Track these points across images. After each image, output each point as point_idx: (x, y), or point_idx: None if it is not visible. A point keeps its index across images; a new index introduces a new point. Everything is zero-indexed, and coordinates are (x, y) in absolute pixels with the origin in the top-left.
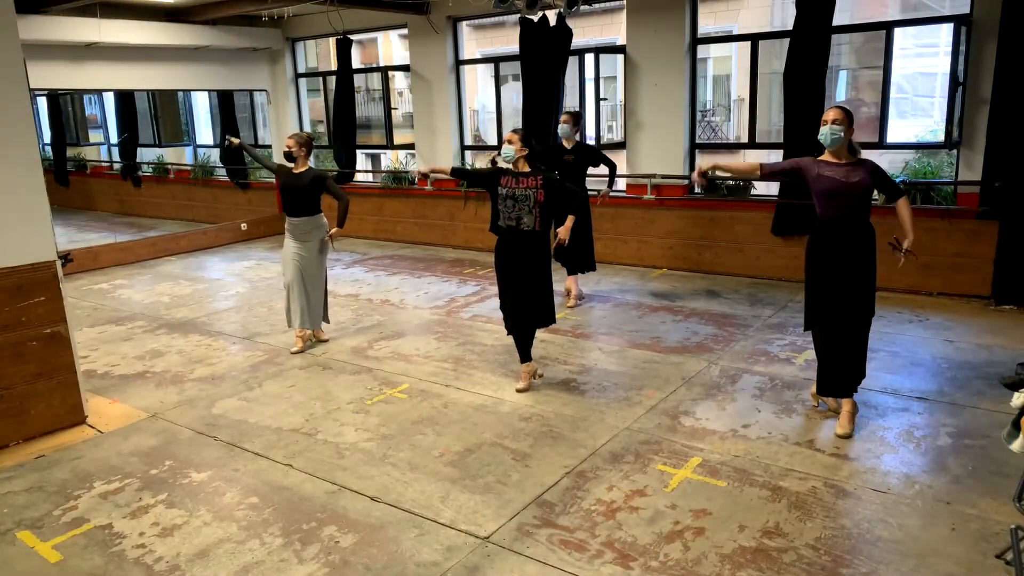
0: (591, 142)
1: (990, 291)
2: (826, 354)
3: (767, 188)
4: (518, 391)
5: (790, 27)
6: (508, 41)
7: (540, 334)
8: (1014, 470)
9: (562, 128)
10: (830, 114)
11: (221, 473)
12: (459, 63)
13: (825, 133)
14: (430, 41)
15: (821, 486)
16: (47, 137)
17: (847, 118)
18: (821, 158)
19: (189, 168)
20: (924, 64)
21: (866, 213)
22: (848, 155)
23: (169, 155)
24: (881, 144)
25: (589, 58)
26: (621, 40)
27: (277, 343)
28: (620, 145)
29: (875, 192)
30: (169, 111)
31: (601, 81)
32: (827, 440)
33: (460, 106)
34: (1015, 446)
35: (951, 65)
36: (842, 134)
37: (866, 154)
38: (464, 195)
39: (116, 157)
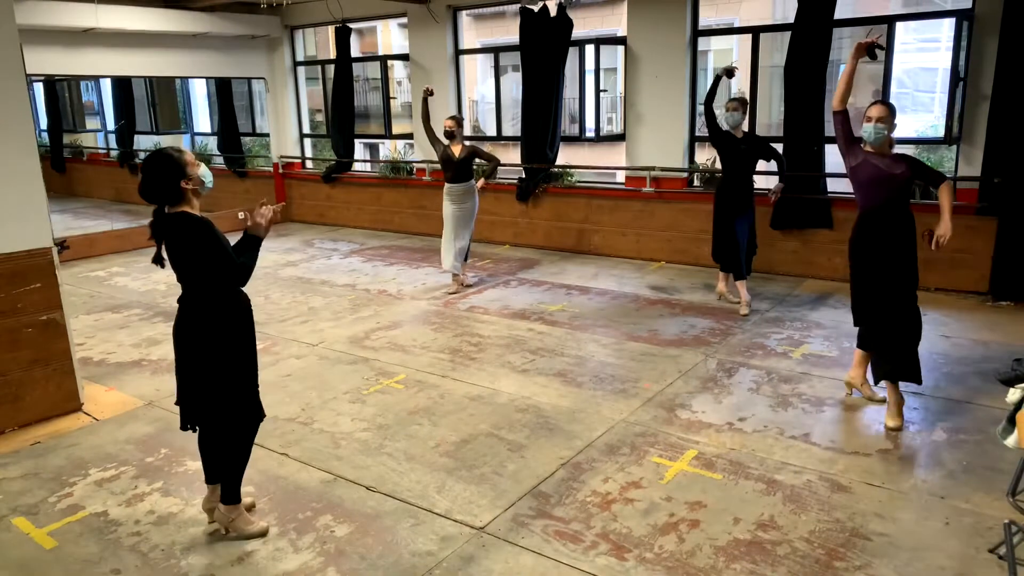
0: (590, 135)
1: (988, 287)
2: (885, 340)
3: (766, 183)
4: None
5: (792, 20)
6: (508, 31)
7: (537, 327)
8: (1008, 465)
9: (733, 117)
10: (874, 111)
11: None
12: (459, 53)
13: (869, 131)
14: (430, 30)
15: (816, 480)
16: (44, 123)
17: (890, 115)
18: (863, 147)
19: None
20: (925, 59)
21: (907, 202)
22: (889, 149)
23: (166, 142)
24: None
25: (589, 49)
26: (622, 31)
27: (274, 332)
28: (620, 137)
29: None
30: (167, 98)
31: (601, 73)
32: (822, 434)
33: (459, 96)
34: (1009, 441)
35: (952, 60)
36: (885, 132)
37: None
38: None
39: (113, 144)
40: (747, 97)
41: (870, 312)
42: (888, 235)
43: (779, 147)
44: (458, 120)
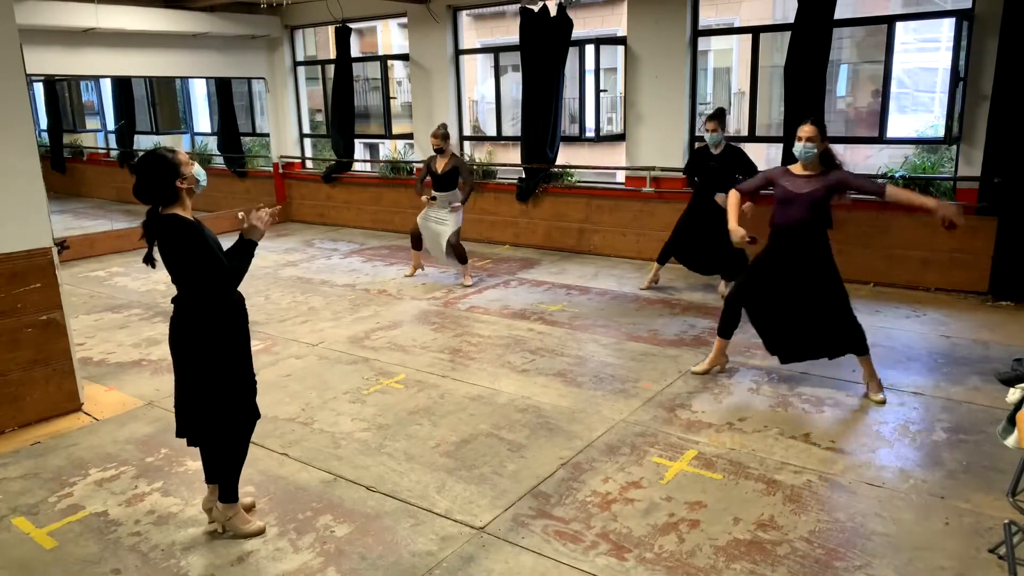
0: (590, 135)
1: (987, 287)
2: (773, 332)
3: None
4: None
5: (792, 20)
6: (508, 31)
7: (537, 327)
8: (1008, 465)
9: (713, 137)
10: (804, 131)
11: None
12: (459, 53)
13: (799, 149)
14: (430, 30)
15: (816, 479)
16: (44, 123)
17: (820, 134)
18: (790, 167)
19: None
20: (925, 59)
21: (814, 224)
22: (818, 166)
23: (166, 142)
24: (881, 139)
25: (589, 49)
26: (622, 31)
27: (274, 332)
28: (620, 137)
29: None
30: (167, 98)
31: (601, 73)
32: (822, 434)
33: (459, 96)
34: (1009, 441)
35: (952, 60)
36: (814, 150)
37: (865, 149)
38: None
39: (113, 144)
40: (725, 108)
41: (753, 304)
42: (792, 253)
43: (779, 147)
44: (440, 135)
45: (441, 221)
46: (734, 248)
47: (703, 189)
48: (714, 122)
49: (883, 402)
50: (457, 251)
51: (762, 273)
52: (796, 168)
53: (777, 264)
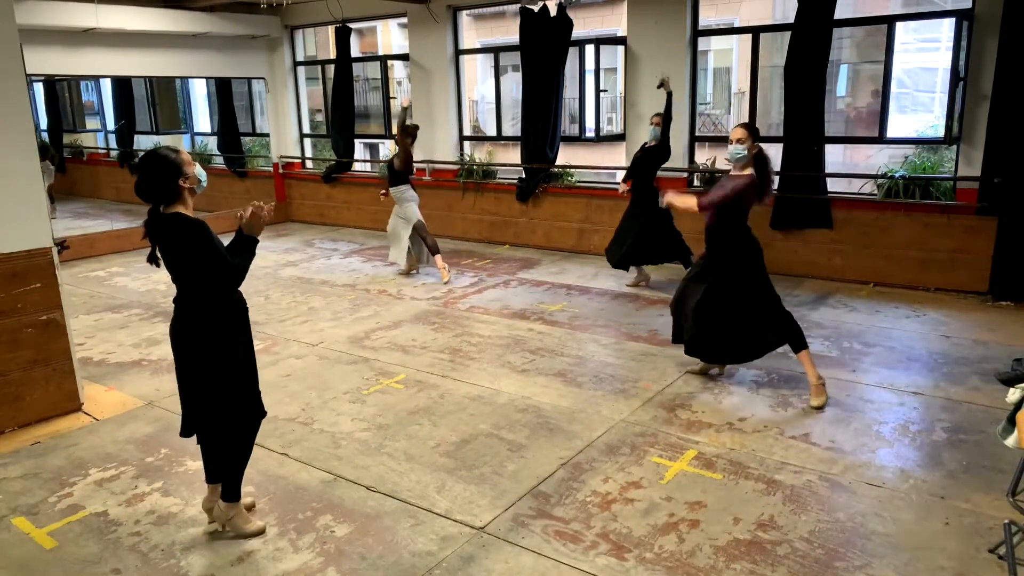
0: (590, 135)
1: (987, 287)
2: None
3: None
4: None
5: (792, 20)
6: (508, 31)
7: (537, 327)
8: (1008, 465)
9: (653, 131)
10: (735, 133)
11: None
12: (459, 53)
13: (730, 150)
14: (430, 30)
15: (816, 480)
16: (44, 123)
17: (751, 136)
18: (731, 170)
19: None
20: (925, 59)
21: (718, 225)
22: (741, 170)
23: (167, 142)
24: (881, 139)
25: (589, 49)
26: (622, 31)
27: (274, 332)
28: (620, 137)
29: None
30: (167, 98)
31: (601, 72)
32: (822, 434)
33: (459, 96)
34: (1009, 441)
35: (952, 60)
36: (744, 152)
37: (865, 149)
38: (463, 186)
39: (113, 144)
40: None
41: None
42: (710, 251)
43: (779, 147)
44: (404, 131)
45: (397, 216)
46: (672, 234)
47: (634, 182)
48: (658, 117)
49: (820, 408)
50: (428, 243)
51: (692, 274)
52: (734, 169)
53: (704, 262)
